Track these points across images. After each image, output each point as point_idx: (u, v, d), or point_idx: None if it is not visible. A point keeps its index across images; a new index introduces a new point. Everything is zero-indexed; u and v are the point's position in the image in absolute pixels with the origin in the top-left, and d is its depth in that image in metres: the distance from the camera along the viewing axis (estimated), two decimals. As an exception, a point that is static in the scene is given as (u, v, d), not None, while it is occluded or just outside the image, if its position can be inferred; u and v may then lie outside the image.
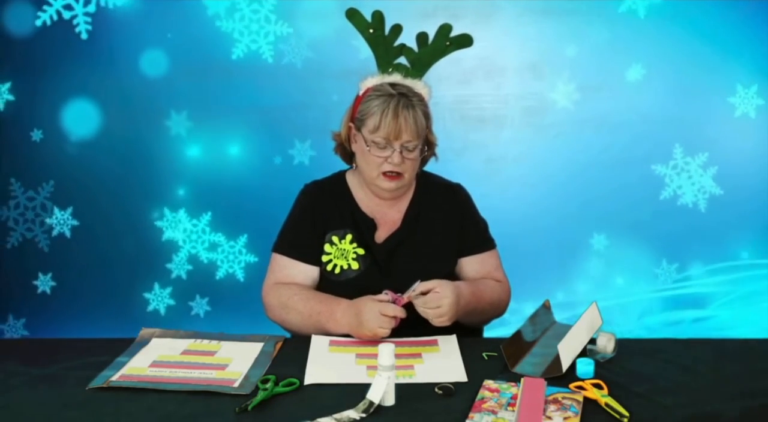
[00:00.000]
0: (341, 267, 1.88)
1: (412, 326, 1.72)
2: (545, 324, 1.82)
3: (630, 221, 3.15)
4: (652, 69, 3.06)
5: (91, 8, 3.05)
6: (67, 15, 3.05)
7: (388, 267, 1.88)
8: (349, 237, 1.90)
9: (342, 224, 1.91)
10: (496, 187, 3.09)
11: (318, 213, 1.93)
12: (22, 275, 3.22)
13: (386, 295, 1.72)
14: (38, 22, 3.05)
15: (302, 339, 1.77)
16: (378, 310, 1.68)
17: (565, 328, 1.72)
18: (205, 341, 1.76)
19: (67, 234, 3.19)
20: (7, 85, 3.12)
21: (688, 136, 3.10)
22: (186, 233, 3.19)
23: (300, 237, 1.92)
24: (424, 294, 1.70)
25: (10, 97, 3.12)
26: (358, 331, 1.71)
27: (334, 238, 1.90)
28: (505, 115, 3.14)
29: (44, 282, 3.23)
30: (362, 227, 1.91)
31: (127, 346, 1.71)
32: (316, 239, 1.91)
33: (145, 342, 1.75)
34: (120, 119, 3.12)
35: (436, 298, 1.69)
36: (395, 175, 1.85)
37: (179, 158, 3.15)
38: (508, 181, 3.15)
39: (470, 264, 1.96)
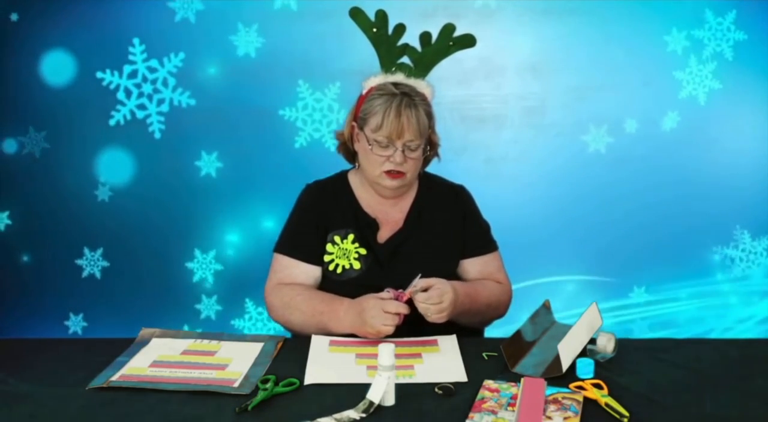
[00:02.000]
0: (343, 266, 1.88)
1: (414, 325, 1.72)
2: (545, 324, 1.82)
3: (628, 218, 3.16)
4: (687, 118, 3.09)
5: (165, 108, 3.10)
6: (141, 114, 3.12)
7: (389, 267, 1.88)
8: (351, 236, 1.89)
9: (344, 224, 1.91)
10: (496, 187, 3.09)
11: (320, 213, 1.92)
12: (54, 315, 3.25)
13: (388, 293, 1.72)
14: (112, 122, 3.11)
15: (302, 339, 1.77)
16: (380, 308, 1.67)
17: (565, 328, 1.72)
18: (205, 341, 1.76)
19: (98, 275, 3.22)
20: (43, 133, 3.14)
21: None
22: (216, 275, 3.21)
23: (302, 237, 1.92)
24: (423, 290, 1.70)
25: (46, 145, 3.15)
26: (362, 330, 1.71)
27: (336, 238, 1.90)
28: (505, 115, 3.14)
29: (75, 323, 3.25)
30: (364, 227, 1.91)
31: (127, 346, 1.71)
32: (318, 239, 1.90)
33: (145, 342, 1.75)
34: (151, 164, 3.16)
35: (437, 294, 1.69)
36: (397, 174, 1.84)
37: (209, 200, 3.17)
38: (508, 181, 3.15)
39: (472, 266, 1.96)
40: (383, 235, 1.91)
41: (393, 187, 1.87)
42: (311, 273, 1.90)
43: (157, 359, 1.65)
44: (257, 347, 1.72)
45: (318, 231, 1.91)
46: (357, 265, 1.88)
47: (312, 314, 1.79)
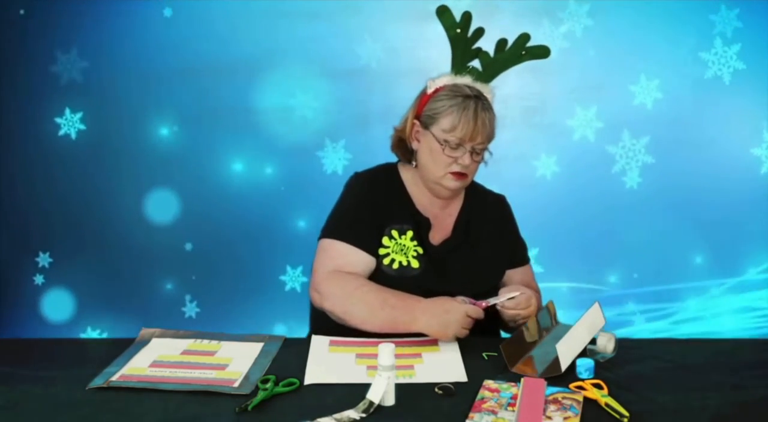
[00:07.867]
0: (400, 263, 1.83)
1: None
2: (546, 324, 1.81)
3: (630, 220, 3.15)
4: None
5: None
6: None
7: (443, 271, 1.86)
8: (409, 233, 1.85)
9: (401, 219, 1.87)
10: (496, 187, 3.08)
11: (375, 204, 1.87)
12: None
13: (464, 301, 1.73)
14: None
15: (302, 340, 1.77)
16: (464, 312, 1.68)
17: (565, 328, 1.72)
18: (205, 341, 1.76)
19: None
20: None
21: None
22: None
23: (358, 225, 1.84)
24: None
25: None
26: (441, 331, 1.68)
27: (394, 232, 1.85)
28: (505, 115, 3.13)
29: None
30: (419, 225, 1.88)
31: (127, 346, 1.71)
32: (375, 229, 1.84)
33: (145, 342, 1.75)
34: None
35: (525, 298, 1.75)
36: (461, 175, 1.84)
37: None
38: (508, 181, 3.14)
39: (516, 275, 2.00)
40: (435, 237, 1.90)
41: (455, 188, 1.86)
42: (368, 263, 1.82)
43: (157, 359, 1.65)
44: (257, 347, 1.72)
45: (374, 222, 1.85)
46: (415, 264, 1.84)
47: (381, 307, 1.71)
